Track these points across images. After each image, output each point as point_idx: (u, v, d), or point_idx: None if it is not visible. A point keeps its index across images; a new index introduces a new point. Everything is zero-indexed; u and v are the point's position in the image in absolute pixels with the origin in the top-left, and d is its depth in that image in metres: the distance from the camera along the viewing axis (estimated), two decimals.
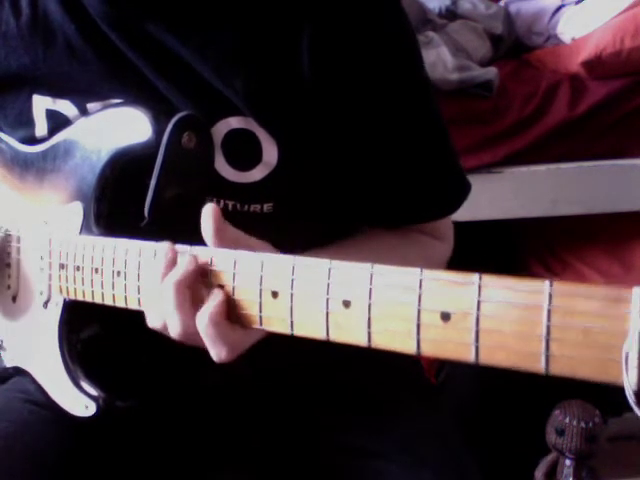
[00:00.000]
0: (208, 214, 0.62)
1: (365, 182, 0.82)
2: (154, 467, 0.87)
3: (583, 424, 1.19)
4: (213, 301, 0.61)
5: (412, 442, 0.80)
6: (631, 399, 0.40)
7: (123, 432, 0.85)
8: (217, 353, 0.62)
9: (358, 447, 0.81)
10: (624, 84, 1.75)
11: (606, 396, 1.01)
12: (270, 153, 0.77)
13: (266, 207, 0.79)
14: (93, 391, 0.78)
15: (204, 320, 0.61)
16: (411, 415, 0.85)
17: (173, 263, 0.64)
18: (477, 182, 0.90)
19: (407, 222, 0.87)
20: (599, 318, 0.41)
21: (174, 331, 0.64)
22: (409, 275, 0.50)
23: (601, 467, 1.24)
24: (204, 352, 0.64)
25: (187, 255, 0.64)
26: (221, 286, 0.62)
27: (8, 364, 0.90)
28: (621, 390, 0.41)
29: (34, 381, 0.85)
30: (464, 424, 0.90)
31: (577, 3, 1.95)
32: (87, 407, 0.77)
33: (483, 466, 0.82)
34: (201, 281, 0.63)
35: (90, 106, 0.80)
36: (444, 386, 1.68)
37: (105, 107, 0.79)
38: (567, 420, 1.20)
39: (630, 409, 0.41)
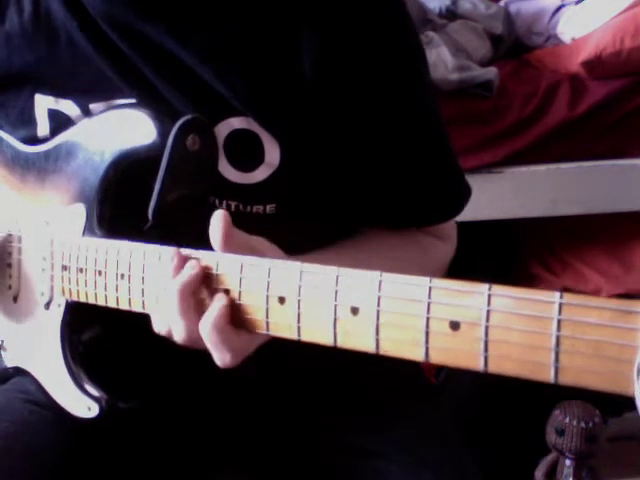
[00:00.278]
0: (217, 219, 0.62)
1: (367, 184, 0.82)
2: (155, 467, 0.87)
3: (583, 424, 1.19)
4: (216, 306, 0.61)
5: (412, 442, 0.81)
6: None
7: (124, 433, 0.85)
8: (221, 358, 0.62)
9: (358, 447, 0.81)
10: (624, 84, 1.75)
11: (606, 396, 1.01)
12: (272, 154, 0.77)
13: (269, 208, 0.79)
14: (95, 392, 0.78)
15: (207, 326, 0.61)
16: (411, 415, 0.85)
17: (179, 268, 0.64)
18: (477, 182, 0.91)
19: (410, 225, 0.87)
20: (609, 330, 0.42)
21: (179, 337, 0.64)
22: (418, 283, 0.50)
23: (601, 467, 1.24)
24: (207, 354, 0.64)
25: (191, 261, 0.64)
26: (227, 291, 0.62)
27: (9, 364, 0.90)
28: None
29: (35, 381, 0.85)
30: (464, 424, 0.90)
31: (577, 3, 1.95)
32: (90, 408, 0.77)
33: (483, 466, 0.82)
34: (206, 286, 0.63)
35: (93, 106, 0.80)
36: (444, 386, 1.68)
37: (108, 108, 0.79)
38: (567, 420, 1.20)
39: (630, 409, 0.41)
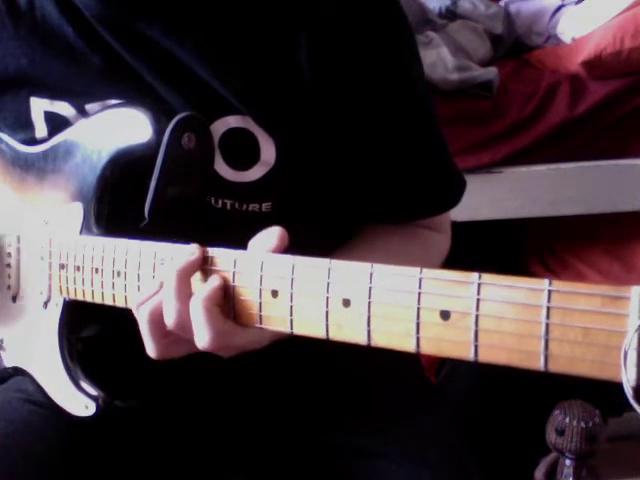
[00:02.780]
0: (275, 234, 0.61)
1: (363, 180, 0.82)
2: (154, 467, 0.87)
3: (583, 424, 1.18)
4: (208, 286, 0.61)
5: (412, 442, 0.81)
6: (629, 394, 0.40)
7: (122, 432, 0.85)
8: (201, 338, 0.62)
9: (358, 447, 0.81)
10: (624, 84, 1.75)
11: (606, 396, 1.00)
12: (268, 152, 0.77)
13: (264, 206, 0.79)
14: (93, 391, 0.78)
15: (195, 303, 0.61)
16: (411, 415, 0.85)
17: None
18: (477, 182, 0.90)
19: (408, 219, 0.87)
20: (598, 317, 0.42)
21: (169, 319, 0.63)
22: (409, 274, 0.50)
23: (601, 467, 1.23)
24: (205, 354, 0.64)
25: (192, 246, 0.64)
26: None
27: (8, 364, 0.90)
28: (621, 390, 0.41)
29: (34, 381, 0.85)
30: (464, 424, 0.90)
31: (577, 3, 1.95)
32: (87, 407, 0.77)
33: (483, 466, 0.82)
34: (201, 278, 0.63)
35: (89, 107, 0.80)
36: (444, 386, 1.68)
37: (104, 107, 0.79)
38: (567, 420, 1.19)
39: (630, 409, 0.41)
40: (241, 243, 0.63)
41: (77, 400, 0.78)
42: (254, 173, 0.77)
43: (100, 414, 0.77)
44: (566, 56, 1.85)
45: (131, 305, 0.68)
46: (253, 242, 0.63)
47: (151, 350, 0.67)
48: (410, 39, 0.81)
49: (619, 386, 0.41)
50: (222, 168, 0.77)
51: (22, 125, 0.84)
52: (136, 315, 0.67)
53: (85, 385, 0.79)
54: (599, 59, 1.73)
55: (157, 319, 0.64)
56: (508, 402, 1.59)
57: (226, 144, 0.76)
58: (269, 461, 0.87)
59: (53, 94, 0.81)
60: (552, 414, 1.22)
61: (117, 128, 0.76)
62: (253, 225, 0.66)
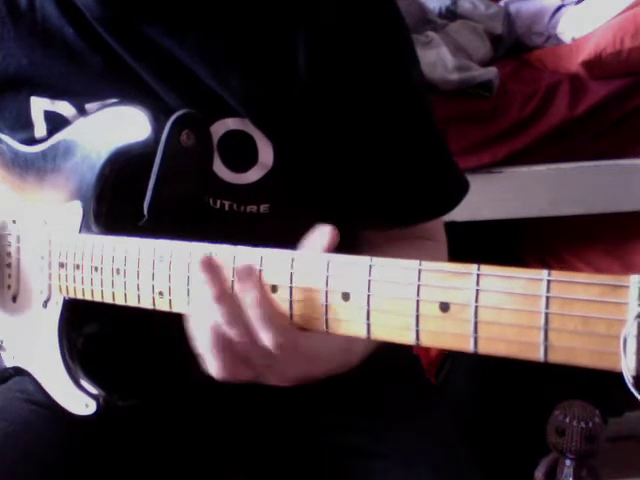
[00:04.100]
0: (326, 234, 0.60)
1: (362, 183, 0.82)
2: (155, 467, 0.87)
3: (583, 424, 1.18)
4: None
5: (412, 442, 0.80)
6: (629, 382, 0.40)
7: (123, 431, 0.85)
8: (266, 337, 0.59)
9: (358, 447, 0.81)
10: (624, 84, 1.75)
11: (606, 396, 1.00)
12: (266, 154, 0.77)
13: (262, 208, 0.79)
14: (93, 390, 0.78)
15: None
16: (411, 415, 0.85)
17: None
18: (477, 182, 0.90)
19: (408, 222, 0.86)
20: (598, 306, 0.42)
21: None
22: (408, 267, 0.50)
23: (601, 467, 1.23)
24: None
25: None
26: None
27: (8, 364, 0.90)
28: (621, 390, 0.41)
29: (34, 381, 0.85)
30: (464, 424, 0.90)
31: (577, 3, 1.95)
32: (87, 406, 0.78)
33: (483, 466, 0.82)
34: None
35: (89, 107, 0.80)
36: (444, 386, 1.68)
37: (103, 106, 0.79)
38: (567, 420, 1.19)
39: (630, 409, 0.41)
40: (238, 243, 0.63)
41: (77, 399, 0.78)
42: (252, 175, 0.78)
43: (101, 413, 0.77)
44: (566, 56, 1.85)
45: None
46: (307, 242, 0.61)
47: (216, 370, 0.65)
48: (408, 41, 0.81)
49: (619, 386, 0.41)
50: (220, 170, 0.77)
51: (22, 125, 0.84)
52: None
53: (85, 384, 0.79)
54: (599, 59, 1.74)
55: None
56: (508, 402, 1.59)
57: (225, 146, 0.76)
58: (269, 461, 0.87)
59: (53, 94, 0.81)
60: (552, 414, 1.22)
61: (115, 126, 0.76)
62: (251, 226, 0.66)
